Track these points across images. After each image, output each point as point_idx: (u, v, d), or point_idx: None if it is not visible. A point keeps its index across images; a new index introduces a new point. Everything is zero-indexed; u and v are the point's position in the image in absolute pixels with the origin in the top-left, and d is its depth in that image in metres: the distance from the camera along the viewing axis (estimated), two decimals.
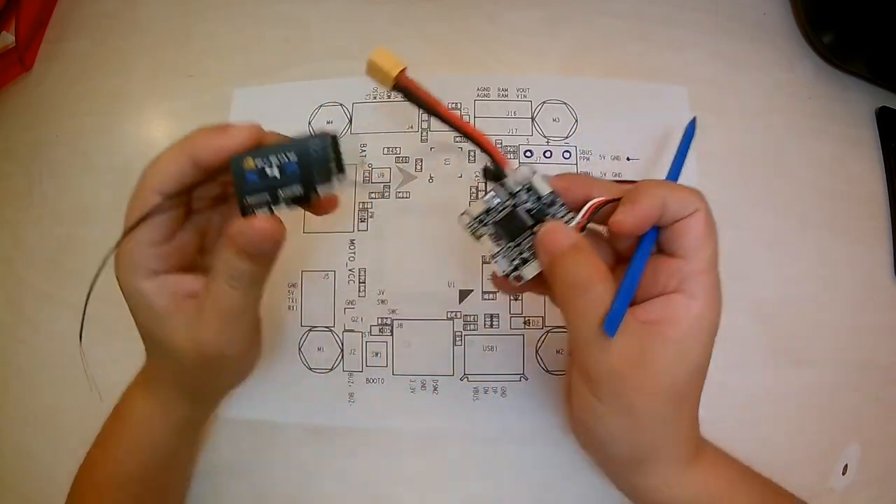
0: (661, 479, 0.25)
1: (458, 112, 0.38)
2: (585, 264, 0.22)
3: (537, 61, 0.40)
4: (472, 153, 0.38)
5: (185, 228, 0.26)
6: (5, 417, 0.37)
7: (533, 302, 0.36)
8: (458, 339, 0.35)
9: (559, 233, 0.23)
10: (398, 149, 0.38)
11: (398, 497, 0.34)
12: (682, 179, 0.28)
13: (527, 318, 0.35)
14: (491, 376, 0.35)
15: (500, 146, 0.38)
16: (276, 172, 0.23)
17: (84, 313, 0.25)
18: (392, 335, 0.36)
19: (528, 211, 0.24)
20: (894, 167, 0.38)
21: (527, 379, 0.35)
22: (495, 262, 0.25)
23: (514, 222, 0.24)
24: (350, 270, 0.36)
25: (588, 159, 0.37)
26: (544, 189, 0.24)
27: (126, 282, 0.25)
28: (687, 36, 0.40)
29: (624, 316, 0.22)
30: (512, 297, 0.35)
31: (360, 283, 0.36)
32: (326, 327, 0.36)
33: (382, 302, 0.36)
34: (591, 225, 0.25)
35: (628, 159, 0.37)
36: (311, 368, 0.36)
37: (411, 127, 0.38)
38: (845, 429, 0.35)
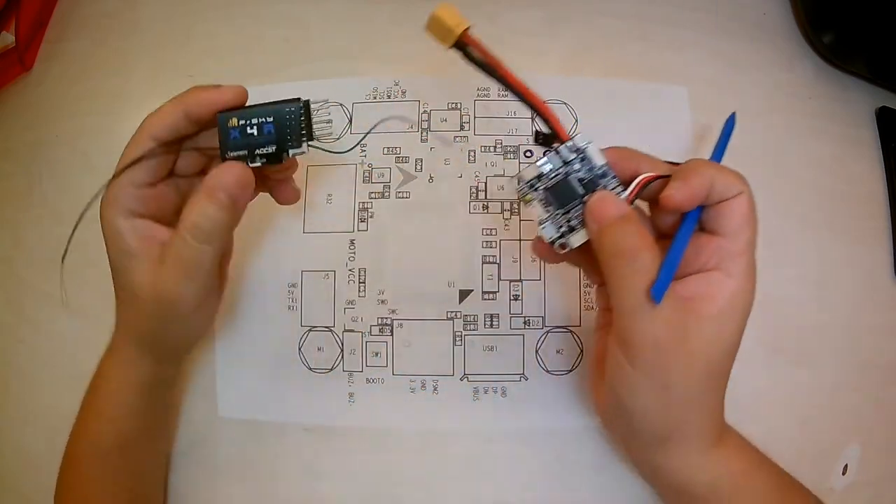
0: (684, 460, 0.25)
1: (460, 111, 0.38)
2: (634, 234, 0.23)
3: (537, 61, 0.40)
4: (471, 153, 0.38)
5: (167, 184, 0.28)
6: (5, 417, 0.37)
7: (533, 302, 0.36)
8: (458, 339, 0.35)
9: (610, 202, 0.24)
10: (398, 149, 0.38)
11: (398, 497, 0.34)
12: None
13: (527, 319, 0.35)
14: (491, 376, 0.35)
15: (499, 146, 0.38)
16: (255, 131, 0.26)
17: (71, 237, 0.27)
18: (392, 335, 0.36)
19: (580, 180, 0.25)
20: (894, 167, 0.38)
21: (527, 379, 0.35)
22: (542, 227, 0.25)
23: (564, 190, 0.25)
24: (350, 270, 0.36)
25: None
26: (598, 160, 0.24)
27: (106, 217, 0.27)
28: (687, 36, 0.40)
29: (669, 285, 0.22)
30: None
31: (360, 283, 0.36)
32: (326, 327, 0.36)
33: (382, 302, 0.36)
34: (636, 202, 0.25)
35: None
36: (311, 368, 0.36)
37: (411, 127, 0.38)
38: (845, 429, 0.35)
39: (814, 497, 0.27)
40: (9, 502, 0.36)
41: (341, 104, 0.39)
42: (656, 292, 0.22)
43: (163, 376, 0.31)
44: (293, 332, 0.36)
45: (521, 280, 0.36)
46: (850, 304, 0.36)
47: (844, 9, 0.38)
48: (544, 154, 0.25)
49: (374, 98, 0.39)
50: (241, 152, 0.26)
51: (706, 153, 0.30)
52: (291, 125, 0.26)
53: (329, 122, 0.26)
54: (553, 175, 0.25)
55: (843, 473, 0.34)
